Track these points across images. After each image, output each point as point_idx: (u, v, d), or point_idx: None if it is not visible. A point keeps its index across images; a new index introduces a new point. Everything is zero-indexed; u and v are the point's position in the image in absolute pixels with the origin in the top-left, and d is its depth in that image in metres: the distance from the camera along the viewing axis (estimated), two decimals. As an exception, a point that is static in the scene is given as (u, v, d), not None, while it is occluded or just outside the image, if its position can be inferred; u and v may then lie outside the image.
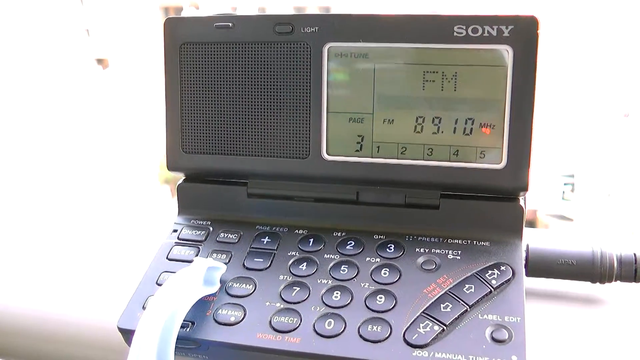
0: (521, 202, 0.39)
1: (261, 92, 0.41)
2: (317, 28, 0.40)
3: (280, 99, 0.41)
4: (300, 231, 0.42)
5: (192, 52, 0.42)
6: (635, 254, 0.40)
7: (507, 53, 0.37)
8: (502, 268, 0.37)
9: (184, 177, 0.45)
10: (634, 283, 0.40)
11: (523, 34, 0.37)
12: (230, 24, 0.41)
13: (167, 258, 0.41)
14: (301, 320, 0.35)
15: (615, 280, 0.40)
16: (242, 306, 0.37)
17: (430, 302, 0.35)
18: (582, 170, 6.26)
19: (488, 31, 0.37)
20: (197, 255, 0.41)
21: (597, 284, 0.40)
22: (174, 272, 0.37)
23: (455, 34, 0.38)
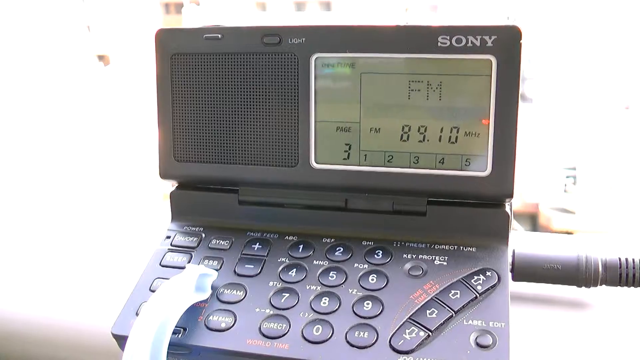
0: (507, 208, 0.40)
1: (250, 101, 0.42)
2: (304, 39, 0.40)
3: (269, 109, 0.42)
4: (291, 237, 0.42)
5: (183, 63, 0.43)
6: (620, 259, 0.40)
7: (490, 63, 0.38)
8: (488, 273, 0.38)
9: (176, 185, 0.46)
10: (619, 287, 0.41)
11: (506, 43, 0.37)
12: (219, 36, 0.42)
13: (160, 264, 0.42)
14: (290, 327, 0.36)
15: (601, 285, 0.41)
16: (233, 312, 0.37)
17: (417, 308, 0.36)
18: (584, 163, 6.25)
19: (472, 41, 0.38)
20: (189, 261, 0.41)
21: (583, 288, 0.41)
22: (167, 279, 0.38)
23: (439, 44, 0.38)
